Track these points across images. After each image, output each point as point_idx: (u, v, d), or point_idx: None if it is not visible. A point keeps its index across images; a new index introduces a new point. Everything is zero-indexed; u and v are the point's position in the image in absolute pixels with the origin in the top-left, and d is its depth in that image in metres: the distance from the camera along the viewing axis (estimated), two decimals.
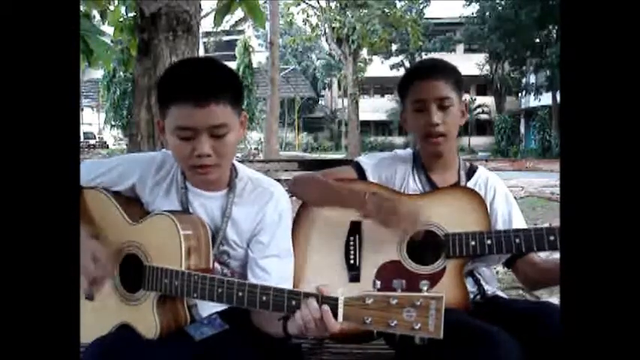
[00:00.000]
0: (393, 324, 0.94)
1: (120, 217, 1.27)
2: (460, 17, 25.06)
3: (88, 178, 1.31)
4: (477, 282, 1.44)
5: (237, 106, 1.21)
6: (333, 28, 19.08)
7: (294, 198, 1.53)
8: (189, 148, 1.16)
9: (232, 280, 1.12)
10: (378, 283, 0.99)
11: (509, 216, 1.45)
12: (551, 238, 1.27)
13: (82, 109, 27.24)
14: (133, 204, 1.31)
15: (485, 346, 1.11)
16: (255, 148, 21.11)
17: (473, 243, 1.32)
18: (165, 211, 1.23)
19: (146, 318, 1.17)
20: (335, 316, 0.99)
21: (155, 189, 1.30)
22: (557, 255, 1.48)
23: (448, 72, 1.42)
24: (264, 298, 1.06)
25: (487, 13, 22.37)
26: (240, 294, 1.08)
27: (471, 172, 1.50)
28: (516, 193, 1.90)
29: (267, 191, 1.30)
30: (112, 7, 3.69)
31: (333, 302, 0.99)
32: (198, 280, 1.12)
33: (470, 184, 1.47)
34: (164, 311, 1.18)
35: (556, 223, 1.26)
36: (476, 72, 25.74)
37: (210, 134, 1.15)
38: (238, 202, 1.29)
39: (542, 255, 1.46)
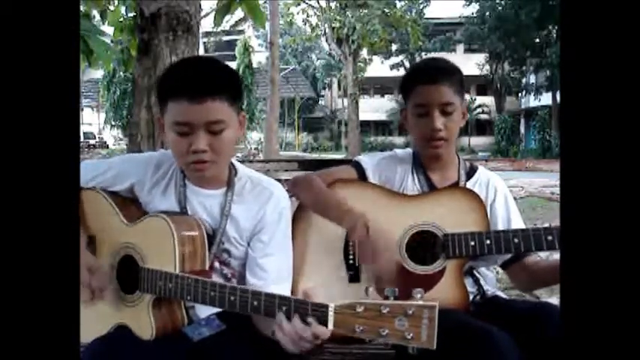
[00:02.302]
0: (384, 333, 0.92)
1: (116, 218, 1.27)
2: (460, 17, 25.08)
3: (86, 178, 1.31)
4: (476, 282, 1.44)
5: (236, 104, 1.21)
6: (333, 28, 19.07)
7: (293, 198, 1.53)
8: (186, 143, 1.16)
9: (224, 283, 1.12)
10: (371, 291, 0.98)
11: (509, 218, 1.45)
12: (549, 238, 1.27)
13: (82, 109, 27.24)
14: (130, 204, 1.31)
15: (485, 346, 1.11)
16: (255, 148, 21.10)
17: (472, 243, 1.32)
18: (160, 212, 1.23)
19: (142, 319, 1.17)
20: (325, 324, 0.97)
21: (153, 189, 1.31)
22: (554, 256, 1.48)
23: (452, 75, 1.40)
24: (255, 302, 1.06)
25: (487, 13, 22.38)
26: (232, 298, 1.08)
27: (471, 172, 1.50)
28: (516, 193, 1.90)
29: (267, 190, 1.30)
30: (112, 7, 3.69)
31: (322, 310, 0.98)
32: (191, 283, 1.12)
33: (469, 184, 1.47)
34: (160, 313, 1.18)
35: (556, 223, 1.27)
36: (476, 72, 25.73)
37: (207, 130, 1.16)
38: (238, 201, 1.29)
39: (542, 255, 1.46)
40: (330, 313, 0.97)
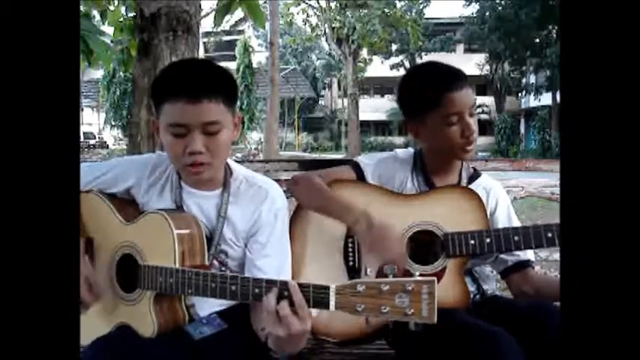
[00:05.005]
0: (385, 310, 0.93)
1: (114, 218, 1.27)
2: (460, 17, 25.10)
3: (84, 181, 1.31)
4: (475, 281, 1.44)
5: (231, 106, 1.21)
6: (333, 28, 19.09)
7: (292, 198, 1.53)
8: (182, 145, 1.16)
9: (225, 274, 1.12)
10: (369, 271, 0.98)
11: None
12: (549, 235, 1.27)
13: (82, 109, 27.25)
14: (127, 205, 1.31)
15: (486, 345, 1.11)
16: (255, 148, 21.08)
17: (472, 242, 1.32)
18: (158, 209, 1.23)
19: (143, 317, 1.17)
20: (327, 305, 0.98)
21: (150, 190, 1.31)
22: (554, 273, 1.48)
23: (466, 76, 1.39)
24: (256, 290, 1.06)
25: (487, 13, 22.39)
26: (234, 288, 1.08)
27: (473, 177, 1.49)
28: (516, 193, 1.90)
29: (263, 190, 1.30)
30: (112, 7, 3.68)
31: (324, 291, 0.99)
32: (192, 276, 1.12)
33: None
34: (161, 310, 1.18)
35: (556, 223, 1.27)
36: (476, 72, 25.71)
37: (202, 131, 1.16)
38: (233, 202, 1.29)
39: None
40: (332, 294, 0.98)
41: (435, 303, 0.91)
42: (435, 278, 0.92)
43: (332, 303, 0.98)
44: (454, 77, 1.36)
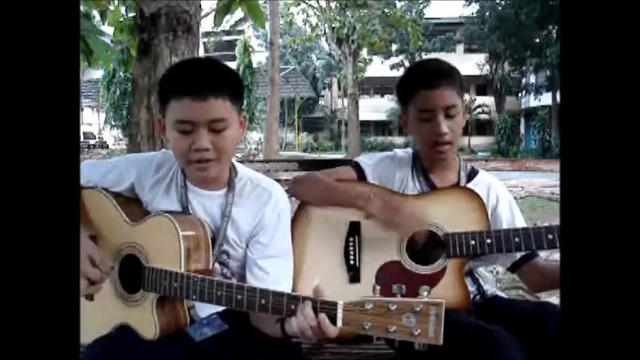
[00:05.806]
0: (392, 329, 0.94)
1: (119, 218, 1.27)
2: (460, 17, 25.11)
3: (87, 179, 1.31)
4: (475, 282, 1.44)
5: (237, 104, 1.21)
6: (333, 28, 19.09)
7: (293, 198, 1.53)
8: (188, 142, 1.17)
9: (232, 282, 1.12)
10: (378, 288, 0.99)
11: (513, 223, 1.45)
12: (550, 236, 1.28)
13: (82, 109, 27.24)
14: (132, 204, 1.31)
15: (487, 346, 1.11)
16: (255, 148, 21.10)
17: (473, 242, 1.32)
18: (164, 212, 1.23)
19: (145, 319, 1.17)
20: (334, 321, 0.99)
21: (154, 188, 1.31)
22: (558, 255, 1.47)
23: (453, 77, 1.39)
24: (263, 301, 1.06)
25: (487, 13, 22.38)
26: (240, 297, 1.08)
27: (471, 175, 1.50)
28: (516, 193, 1.90)
29: (266, 191, 1.30)
30: (112, 7, 3.69)
31: (332, 307, 0.99)
32: (197, 282, 1.12)
33: (469, 186, 1.47)
34: (163, 312, 1.18)
35: (556, 223, 1.27)
36: (476, 72, 25.72)
37: (209, 129, 1.16)
38: (238, 202, 1.29)
39: (544, 255, 1.46)
40: (339, 311, 0.98)
41: (442, 325, 0.92)
42: (443, 300, 0.93)
43: (339, 319, 0.98)
44: (434, 76, 1.38)
